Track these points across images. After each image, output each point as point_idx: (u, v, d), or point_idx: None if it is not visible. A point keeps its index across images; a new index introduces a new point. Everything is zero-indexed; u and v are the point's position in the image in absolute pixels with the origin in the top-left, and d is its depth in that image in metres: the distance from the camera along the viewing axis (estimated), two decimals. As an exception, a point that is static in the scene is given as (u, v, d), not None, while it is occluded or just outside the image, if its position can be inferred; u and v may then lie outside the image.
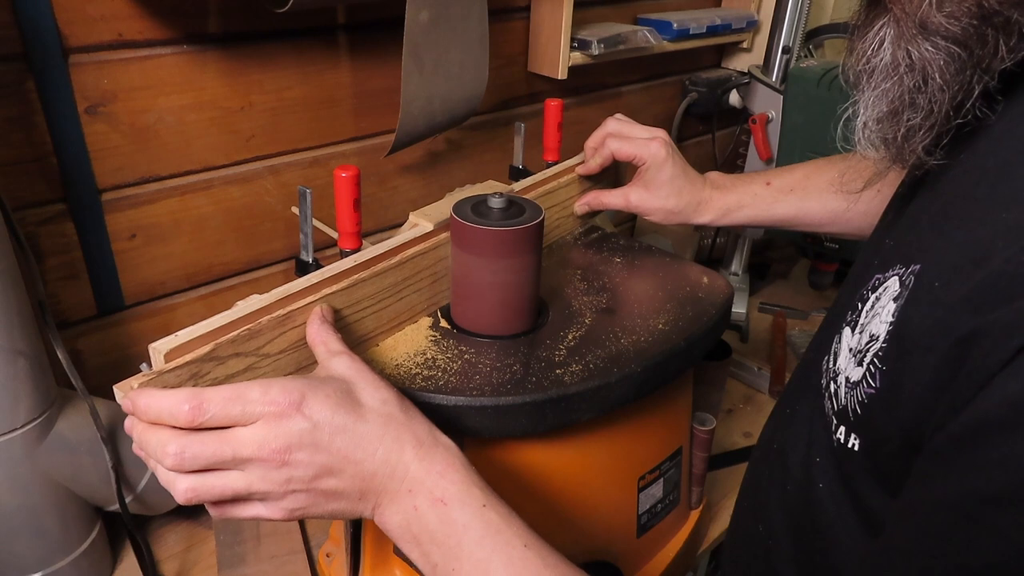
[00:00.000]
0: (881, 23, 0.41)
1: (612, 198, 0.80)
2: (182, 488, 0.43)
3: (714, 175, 0.81)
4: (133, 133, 0.76)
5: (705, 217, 0.79)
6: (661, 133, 0.78)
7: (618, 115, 0.82)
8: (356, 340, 0.61)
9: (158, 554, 0.81)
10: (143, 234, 0.80)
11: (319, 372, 0.51)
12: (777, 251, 1.57)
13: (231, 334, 0.50)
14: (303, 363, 0.56)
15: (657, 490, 0.75)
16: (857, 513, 0.44)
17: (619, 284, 0.74)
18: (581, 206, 0.83)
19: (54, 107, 0.70)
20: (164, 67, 0.75)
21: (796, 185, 0.78)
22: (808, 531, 0.49)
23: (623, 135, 0.79)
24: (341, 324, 0.58)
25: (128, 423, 0.45)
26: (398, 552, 0.70)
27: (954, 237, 0.38)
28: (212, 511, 0.45)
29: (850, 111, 0.45)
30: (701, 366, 0.94)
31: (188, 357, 0.47)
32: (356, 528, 0.71)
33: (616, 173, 0.87)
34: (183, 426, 0.42)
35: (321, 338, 0.52)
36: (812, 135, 1.12)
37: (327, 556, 0.79)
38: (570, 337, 0.65)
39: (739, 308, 1.26)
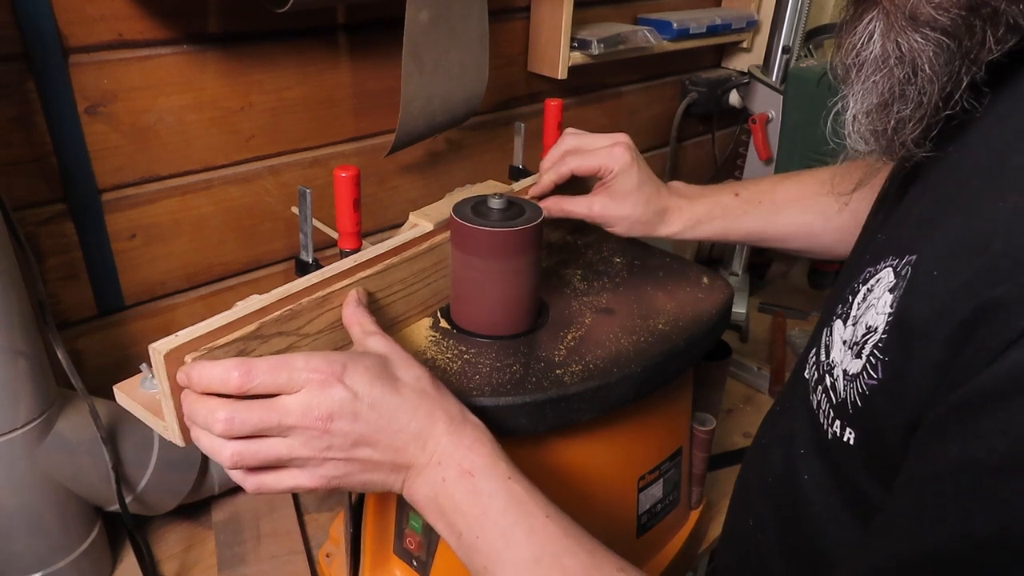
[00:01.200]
0: (870, 16, 0.42)
1: (574, 205, 0.73)
2: (228, 453, 0.45)
3: (677, 184, 0.76)
4: (133, 133, 0.76)
5: (673, 227, 0.74)
6: (623, 138, 0.72)
7: (570, 129, 0.76)
8: (388, 322, 0.63)
9: (158, 554, 0.81)
10: (143, 234, 0.80)
11: (355, 350, 0.52)
12: (777, 251, 1.57)
13: (275, 313, 0.52)
14: (339, 343, 0.58)
15: (657, 490, 0.75)
16: (846, 504, 0.45)
17: (619, 284, 0.74)
18: None
19: (54, 107, 0.70)
20: (164, 67, 0.75)
21: (764, 197, 0.74)
22: (793, 523, 0.50)
23: (582, 149, 0.72)
24: (374, 307, 0.60)
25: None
26: (398, 552, 0.70)
27: (950, 227, 0.38)
28: (249, 482, 0.47)
29: (839, 105, 0.46)
30: (701, 366, 0.94)
31: (236, 335, 0.50)
32: (356, 528, 0.71)
33: (578, 188, 0.79)
34: (233, 392, 0.45)
35: (356, 319, 0.54)
36: (812, 135, 1.12)
37: (327, 556, 0.79)
38: (570, 337, 0.65)
39: (739, 308, 1.26)
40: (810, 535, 0.47)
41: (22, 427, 0.65)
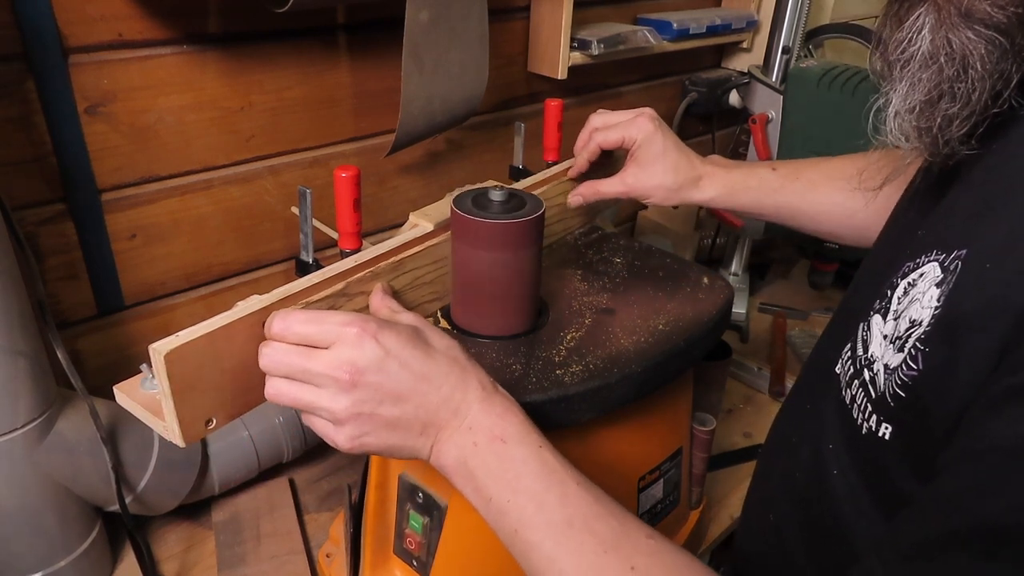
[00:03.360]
0: (919, 12, 0.41)
1: (608, 186, 0.75)
2: (267, 385, 0.48)
3: (715, 157, 0.77)
4: (133, 133, 0.76)
5: (708, 192, 0.74)
6: (646, 110, 0.74)
7: (599, 110, 0.78)
8: (420, 301, 0.67)
9: (158, 554, 0.81)
10: (143, 234, 0.80)
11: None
12: (777, 251, 1.57)
13: (359, 274, 0.58)
14: (411, 305, 0.64)
15: (657, 490, 0.75)
16: (876, 499, 0.45)
17: (619, 284, 0.74)
18: (574, 197, 0.77)
19: (54, 107, 0.70)
20: (164, 67, 0.75)
21: (801, 174, 0.76)
22: (818, 518, 0.50)
23: (607, 125, 0.75)
24: (422, 281, 0.65)
25: None
26: (398, 552, 0.70)
27: (1002, 222, 0.38)
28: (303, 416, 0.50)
29: (880, 101, 0.45)
30: (701, 366, 0.94)
31: (326, 292, 0.56)
32: (356, 528, 0.71)
33: (613, 169, 0.83)
34: (272, 338, 0.48)
35: (385, 304, 0.57)
36: (812, 135, 1.13)
37: (327, 556, 0.79)
38: (570, 337, 0.65)
39: (739, 308, 1.26)
40: (837, 531, 0.48)
41: (22, 427, 0.65)
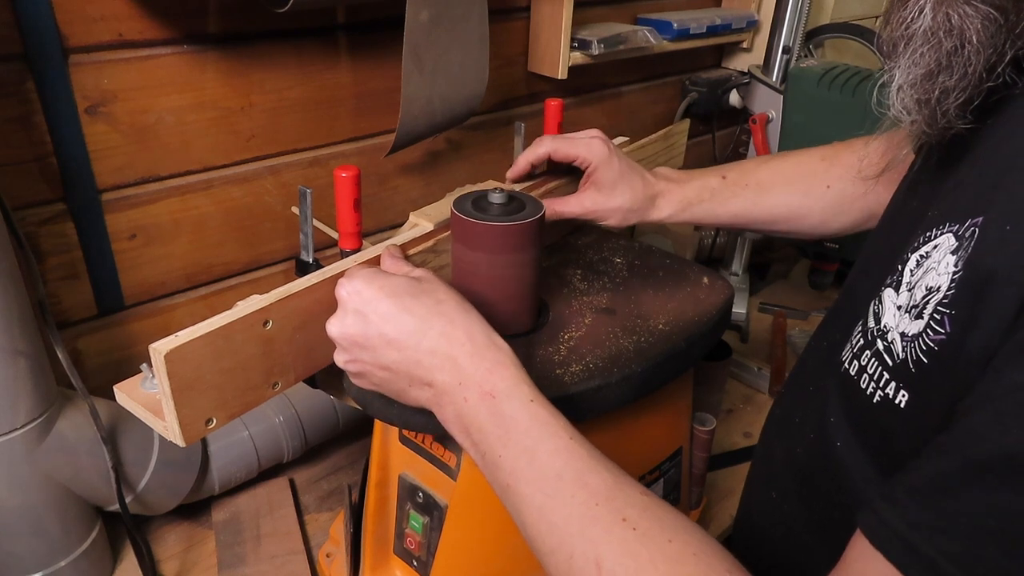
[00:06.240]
0: None
1: (566, 206, 0.74)
2: None
3: (663, 170, 0.77)
4: (133, 133, 0.76)
5: (664, 211, 0.74)
6: (597, 132, 0.74)
7: (546, 135, 0.76)
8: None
9: (158, 554, 0.82)
10: (143, 234, 0.80)
11: None
12: (777, 251, 1.57)
13: (446, 232, 0.64)
14: None
15: (657, 490, 0.75)
16: (881, 467, 0.46)
17: (619, 284, 0.74)
18: None
19: (54, 107, 0.70)
20: (164, 67, 0.75)
21: (750, 179, 0.76)
22: (824, 491, 0.51)
23: (560, 138, 0.74)
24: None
25: None
26: (398, 552, 0.70)
27: (1016, 189, 0.40)
28: None
29: (884, 77, 0.47)
30: (701, 366, 0.94)
31: (420, 247, 0.63)
32: (356, 528, 0.71)
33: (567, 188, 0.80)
34: None
35: (395, 268, 0.58)
36: (812, 135, 1.12)
37: (327, 556, 0.79)
38: (570, 337, 0.65)
39: (739, 308, 1.26)
40: (842, 502, 0.49)
41: (22, 427, 0.65)
